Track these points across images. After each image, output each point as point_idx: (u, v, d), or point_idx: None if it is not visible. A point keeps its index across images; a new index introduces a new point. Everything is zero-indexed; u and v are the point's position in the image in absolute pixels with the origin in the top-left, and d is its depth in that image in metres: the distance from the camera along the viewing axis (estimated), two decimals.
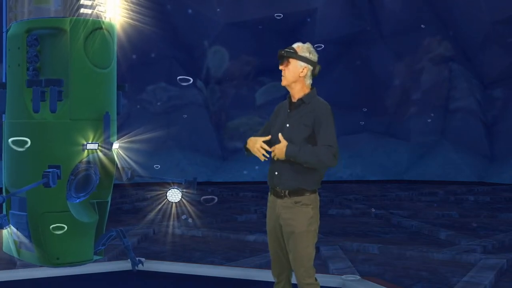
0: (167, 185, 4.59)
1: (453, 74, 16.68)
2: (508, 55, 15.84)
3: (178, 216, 9.49)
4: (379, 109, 16.78)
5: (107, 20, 4.27)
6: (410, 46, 16.52)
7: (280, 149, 3.64)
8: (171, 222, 9.04)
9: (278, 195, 3.78)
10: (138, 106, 15.87)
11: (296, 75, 3.76)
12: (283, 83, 3.83)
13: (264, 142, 3.78)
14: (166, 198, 4.56)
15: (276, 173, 3.76)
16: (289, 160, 3.66)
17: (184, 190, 4.56)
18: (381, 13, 16.47)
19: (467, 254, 7.13)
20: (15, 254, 4.47)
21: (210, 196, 12.12)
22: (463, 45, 16.46)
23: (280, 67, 3.81)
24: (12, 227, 4.27)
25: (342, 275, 5.79)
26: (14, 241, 4.38)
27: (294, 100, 3.81)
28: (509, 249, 7.59)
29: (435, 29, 16.46)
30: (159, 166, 13.44)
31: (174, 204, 4.66)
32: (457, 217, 10.43)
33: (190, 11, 15.82)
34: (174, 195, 4.56)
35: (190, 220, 9.07)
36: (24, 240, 4.25)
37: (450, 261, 7.04)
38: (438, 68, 16.70)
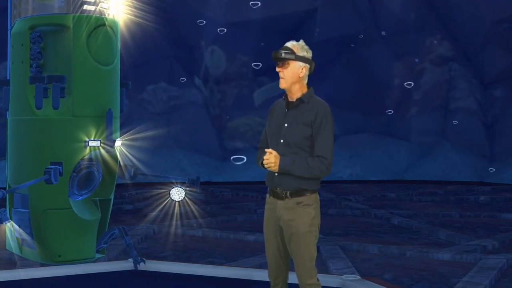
0: (170, 183, 4.58)
1: (453, 74, 16.68)
2: (508, 55, 15.83)
3: (180, 216, 9.49)
4: (379, 109, 16.78)
5: (110, 17, 4.25)
6: (410, 46, 16.51)
7: (275, 162, 3.61)
8: (171, 222, 9.04)
9: (279, 197, 3.74)
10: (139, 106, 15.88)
11: (296, 76, 3.69)
12: (283, 86, 3.73)
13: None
14: (169, 196, 4.54)
15: (276, 174, 3.73)
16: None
17: (187, 188, 4.55)
18: (381, 13, 16.46)
19: (467, 254, 7.13)
20: (17, 252, 4.47)
21: (238, 156, 12.12)
22: (463, 45, 16.46)
23: (278, 69, 3.72)
24: (14, 223, 4.27)
25: (342, 275, 5.79)
26: (17, 239, 4.38)
27: (292, 99, 3.75)
28: (509, 249, 7.59)
29: (435, 29, 16.46)
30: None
31: (176, 204, 4.65)
32: (457, 217, 10.43)
33: (190, 11, 15.81)
34: (177, 193, 4.54)
35: (194, 225, 9.12)
36: (26, 237, 4.25)
37: (450, 261, 7.04)
38: (438, 68, 16.70)
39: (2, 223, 4.11)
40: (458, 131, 16.34)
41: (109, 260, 6.43)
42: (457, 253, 7.22)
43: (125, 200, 11.89)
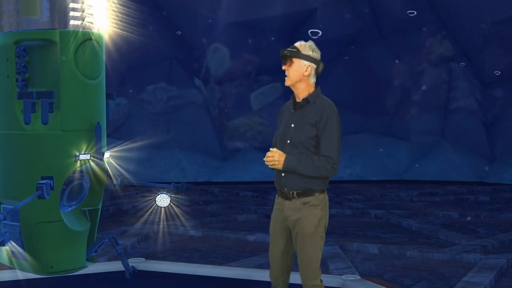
0: (156, 190, 4.60)
1: (453, 74, 16.67)
2: (508, 55, 15.82)
3: (178, 216, 9.49)
4: (379, 109, 16.77)
5: (95, 30, 4.27)
6: (410, 46, 16.51)
7: (279, 160, 3.64)
8: (170, 222, 9.04)
9: (286, 197, 3.75)
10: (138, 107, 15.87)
11: (300, 74, 3.72)
12: (287, 83, 3.78)
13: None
14: (155, 203, 4.57)
15: (283, 174, 3.73)
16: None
17: (173, 195, 4.57)
18: (381, 13, 16.46)
19: (467, 254, 7.13)
20: (7, 263, 4.47)
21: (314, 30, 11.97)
22: (463, 45, 16.45)
23: (283, 67, 3.76)
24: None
25: (342, 275, 5.79)
26: (6, 250, 4.37)
27: (299, 100, 3.77)
28: (509, 249, 7.59)
29: (435, 29, 16.46)
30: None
31: (173, 205, 4.66)
32: (457, 217, 10.43)
33: (190, 10, 15.81)
34: (162, 200, 4.56)
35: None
36: (18, 249, 4.25)
37: (450, 261, 7.04)
38: (438, 68, 16.69)
39: (4, 245, 4.11)
40: (458, 131, 16.33)
41: (109, 260, 6.44)
42: (457, 253, 7.22)
43: (124, 201, 11.89)
